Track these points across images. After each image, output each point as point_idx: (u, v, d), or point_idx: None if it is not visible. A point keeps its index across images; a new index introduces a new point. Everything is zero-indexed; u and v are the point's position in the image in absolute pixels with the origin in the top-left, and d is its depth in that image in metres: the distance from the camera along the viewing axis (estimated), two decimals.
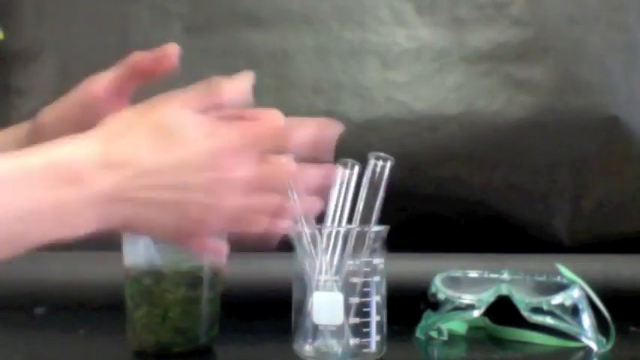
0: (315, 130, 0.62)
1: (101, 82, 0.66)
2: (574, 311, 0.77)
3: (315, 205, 0.63)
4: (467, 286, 0.80)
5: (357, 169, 0.71)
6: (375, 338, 0.70)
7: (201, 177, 0.55)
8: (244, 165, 0.57)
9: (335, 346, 0.70)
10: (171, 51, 0.65)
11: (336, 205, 0.72)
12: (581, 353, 0.76)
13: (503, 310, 0.78)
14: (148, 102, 0.59)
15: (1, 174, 0.53)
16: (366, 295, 0.70)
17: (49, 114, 0.68)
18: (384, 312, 0.72)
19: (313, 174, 0.61)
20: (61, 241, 0.54)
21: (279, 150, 0.60)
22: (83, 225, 0.54)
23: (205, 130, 0.56)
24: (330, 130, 0.63)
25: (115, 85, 0.66)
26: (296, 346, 0.71)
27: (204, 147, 0.56)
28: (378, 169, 0.70)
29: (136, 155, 0.55)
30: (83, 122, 0.57)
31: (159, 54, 0.66)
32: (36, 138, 0.61)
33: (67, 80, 1.04)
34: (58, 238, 0.54)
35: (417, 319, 0.82)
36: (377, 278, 0.71)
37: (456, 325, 0.82)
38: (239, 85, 0.60)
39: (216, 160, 0.56)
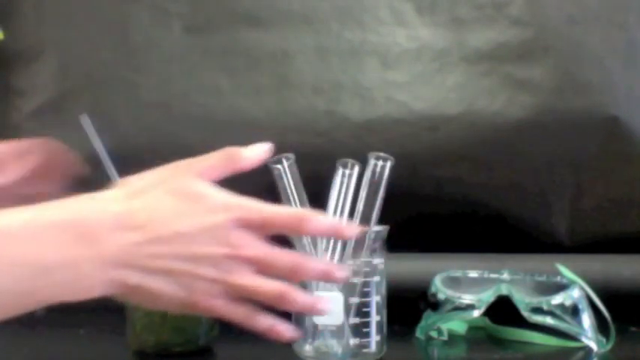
0: (332, 223, 0.61)
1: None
2: (574, 311, 0.77)
3: (317, 302, 0.60)
4: (467, 286, 0.80)
5: (357, 169, 0.71)
6: (375, 338, 0.70)
7: (212, 250, 0.55)
8: (257, 244, 0.56)
9: (335, 346, 0.70)
10: (75, 161, 0.72)
11: (336, 205, 0.72)
12: (581, 353, 0.76)
13: (503, 310, 0.78)
14: (168, 166, 0.58)
15: (15, 228, 0.52)
16: (366, 295, 0.70)
17: None
18: (384, 312, 0.72)
19: (318, 268, 0.59)
20: (70, 301, 0.53)
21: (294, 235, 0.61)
22: (93, 287, 0.54)
23: (222, 203, 0.56)
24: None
25: (15, 185, 0.71)
26: (296, 346, 0.71)
27: (219, 220, 0.55)
28: (378, 169, 0.70)
29: (152, 219, 0.54)
30: None
31: (66, 161, 0.72)
32: None
33: (67, 80, 1.05)
34: (67, 299, 0.54)
35: (417, 319, 0.82)
36: (377, 278, 0.71)
37: (456, 325, 0.82)
38: (257, 154, 0.61)
39: (229, 236, 0.55)
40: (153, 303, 0.57)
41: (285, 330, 0.59)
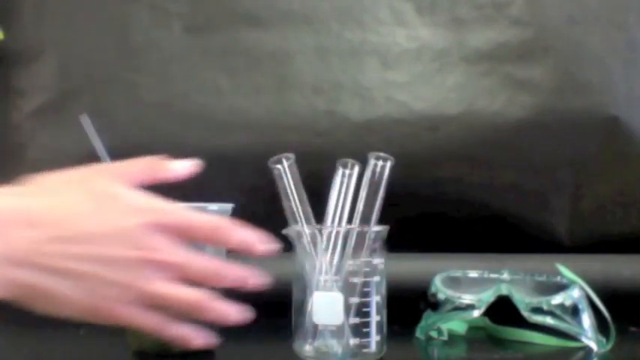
0: (244, 237, 0.57)
1: None
2: (574, 311, 0.77)
3: (233, 313, 0.56)
4: (467, 286, 0.80)
5: (357, 169, 0.72)
6: (375, 338, 0.70)
7: (122, 253, 0.51)
8: (173, 249, 0.53)
9: (335, 346, 0.69)
10: None
11: (336, 205, 0.72)
12: (581, 353, 0.76)
13: (503, 310, 0.78)
14: (91, 167, 0.55)
15: None
16: (366, 295, 0.70)
17: None
18: (384, 312, 0.72)
19: (234, 274, 0.56)
20: None
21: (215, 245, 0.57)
22: None
23: (139, 205, 0.53)
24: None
25: None
26: (296, 346, 0.71)
27: (133, 222, 0.52)
28: (378, 169, 0.70)
29: (58, 217, 0.51)
30: None
31: None
32: None
33: (67, 80, 1.05)
34: None
35: (417, 319, 0.82)
36: (377, 278, 0.71)
37: (456, 325, 0.82)
38: (182, 168, 0.58)
39: (143, 239, 0.52)
40: (51, 307, 0.52)
41: (198, 337, 0.56)
